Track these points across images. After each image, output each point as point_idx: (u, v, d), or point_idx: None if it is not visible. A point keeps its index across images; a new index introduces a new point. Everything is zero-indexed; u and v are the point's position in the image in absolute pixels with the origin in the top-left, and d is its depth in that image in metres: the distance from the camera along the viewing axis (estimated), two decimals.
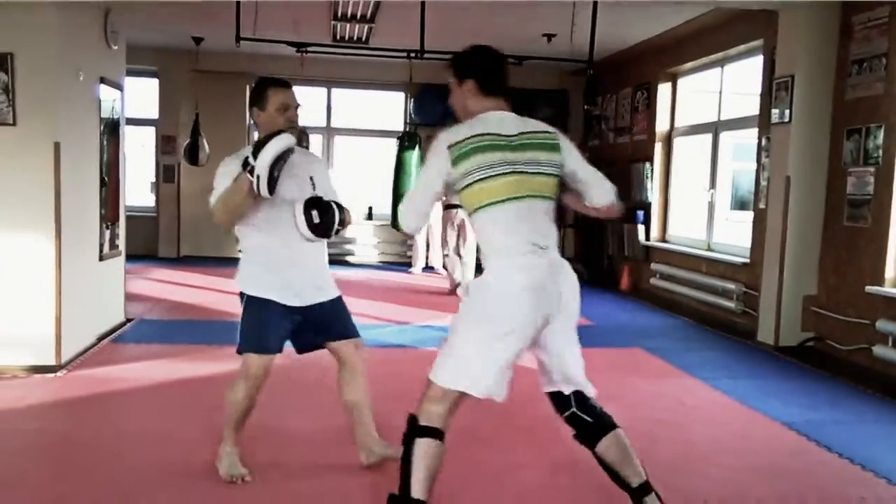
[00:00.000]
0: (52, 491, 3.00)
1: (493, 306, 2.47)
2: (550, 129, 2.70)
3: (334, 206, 2.97)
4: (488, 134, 2.53)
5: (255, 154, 2.73)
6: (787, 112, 5.79)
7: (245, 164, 2.77)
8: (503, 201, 2.50)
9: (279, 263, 2.99)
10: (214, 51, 9.77)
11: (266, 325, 2.99)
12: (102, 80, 5.25)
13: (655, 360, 5.50)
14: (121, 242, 5.86)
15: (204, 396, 4.28)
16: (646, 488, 2.61)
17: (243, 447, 3.15)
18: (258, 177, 2.72)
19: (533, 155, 2.56)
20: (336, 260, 10.66)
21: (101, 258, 5.36)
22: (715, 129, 7.68)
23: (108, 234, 5.48)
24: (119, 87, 5.64)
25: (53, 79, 4.45)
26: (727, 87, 7.58)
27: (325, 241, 3.07)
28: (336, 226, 2.96)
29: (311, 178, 3.05)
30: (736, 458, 3.63)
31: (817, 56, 5.71)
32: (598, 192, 2.72)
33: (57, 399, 4.12)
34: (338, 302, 3.14)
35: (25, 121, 4.37)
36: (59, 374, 4.51)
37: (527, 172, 2.53)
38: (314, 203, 2.93)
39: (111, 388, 4.35)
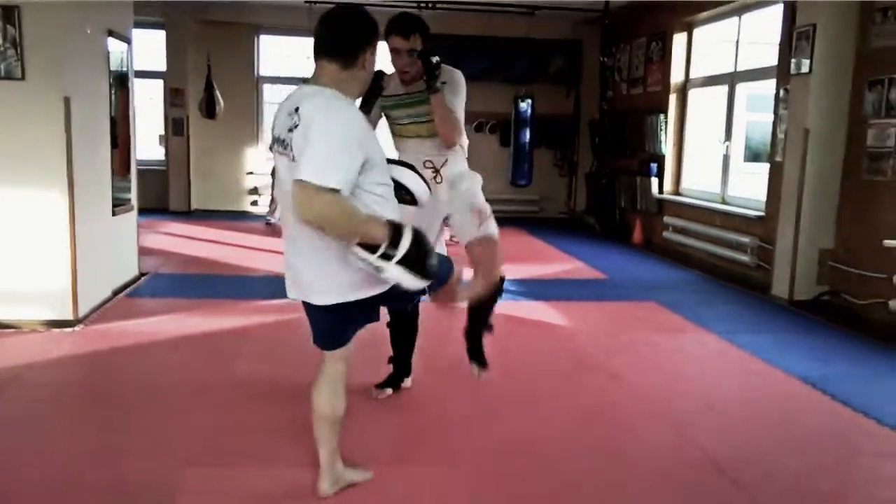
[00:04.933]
0: (76, 442, 3.04)
1: None
2: None
3: None
4: None
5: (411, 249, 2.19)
6: (806, 63, 5.67)
7: (396, 238, 2.18)
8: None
9: None
10: (221, 1, 9.63)
11: None
12: (110, 33, 5.16)
13: (671, 314, 5.49)
14: (133, 196, 5.85)
15: (221, 349, 4.34)
16: None
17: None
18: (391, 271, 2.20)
19: None
20: None
21: (114, 213, 5.34)
22: (731, 80, 7.54)
23: (119, 187, 5.46)
24: (127, 39, 5.55)
25: (61, 32, 4.37)
26: (744, 36, 7.41)
27: None
28: None
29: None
30: (752, 412, 3.65)
31: (840, 4, 5.56)
32: None
33: (76, 353, 4.15)
34: None
35: (34, 75, 4.30)
36: (76, 328, 4.54)
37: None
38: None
39: (129, 342, 4.38)
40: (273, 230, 9.11)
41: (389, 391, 3.64)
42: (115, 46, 5.30)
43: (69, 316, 4.56)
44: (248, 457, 2.93)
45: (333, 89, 2.26)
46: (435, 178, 3.30)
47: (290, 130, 2.21)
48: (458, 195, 3.31)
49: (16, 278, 4.49)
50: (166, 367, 4.03)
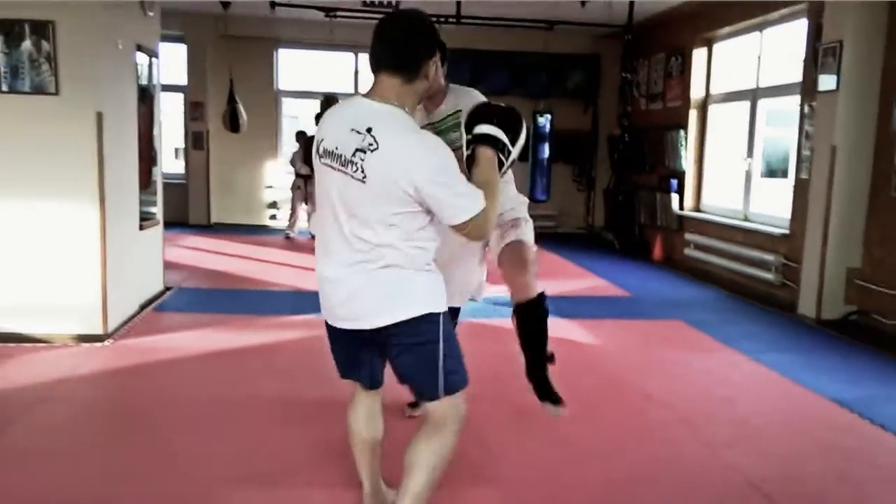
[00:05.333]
0: (108, 459, 3.02)
1: None
2: None
3: None
4: None
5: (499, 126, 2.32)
6: (833, 79, 5.64)
7: (492, 140, 2.29)
8: None
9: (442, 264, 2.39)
10: (241, 15, 9.69)
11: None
12: (139, 48, 5.20)
13: (698, 333, 5.45)
14: (158, 211, 5.86)
15: (249, 366, 4.32)
16: None
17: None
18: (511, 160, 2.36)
19: None
20: None
21: (142, 227, 5.35)
22: (753, 96, 7.51)
23: (145, 201, 5.47)
24: (154, 54, 5.59)
25: (94, 47, 4.40)
26: (766, 51, 7.38)
27: None
28: None
29: None
30: (790, 435, 3.60)
31: (868, 20, 5.55)
32: None
33: (109, 368, 4.14)
34: None
35: (68, 90, 4.33)
36: (106, 343, 4.54)
37: None
38: None
39: (158, 358, 4.38)
40: (293, 244, 9.13)
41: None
42: (141, 60, 5.32)
43: (99, 330, 4.57)
44: (285, 477, 2.91)
45: (399, 107, 2.12)
46: None
47: (362, 151, 2.06)
48: None
49: (47, 292, 4.50)
50: (196, 383, 4.02)
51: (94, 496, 2.73)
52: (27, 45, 4.25)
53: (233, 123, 9.66)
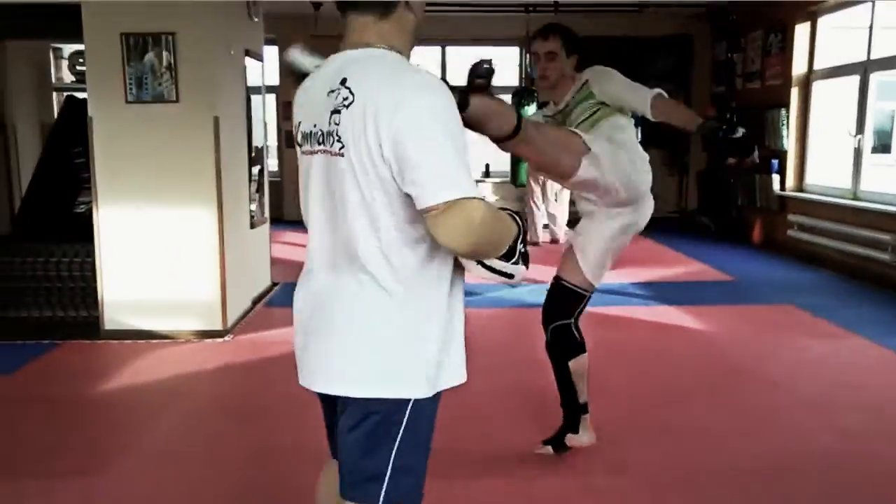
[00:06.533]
0: (256, 455, 3.16)
1: None
2: None
3: None
4: None
5: None
6: None
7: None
8: None
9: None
10: (332, 15, 9.83)
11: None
12: (247, 53, 5.37)
13: (812, 318, 5.27)
14: (265, 209, 6.05)
15: None
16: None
17: None
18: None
19: None
20: None
21: (252, 226, 5.54)
22: (864, 69, 7.17)
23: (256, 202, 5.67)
24: (260, 58, 5.76)
25: (210, 55, 4.57)
26: (878, 22, 7.03)
27: None
28: None
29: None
30: None
31: None
32: None
33: (234, 363, 4.32)
34: None
35: (187, 97, 4.52)
36: (226, 338, 4.73)
37: None
38: None
39: (278, 352, 4.48)
40: None
41: (549, 449, 3.03)
42: (248, 64, 5.50)
43: (219, 326, 4.76)
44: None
45: (385, 48, 1.53)
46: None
47: (337, 112, 1.47)
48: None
49: (170, 291, 4.72)
50: None
51: (240, 488, 2.86)
52: (150, 56, 4.45)
53: None
